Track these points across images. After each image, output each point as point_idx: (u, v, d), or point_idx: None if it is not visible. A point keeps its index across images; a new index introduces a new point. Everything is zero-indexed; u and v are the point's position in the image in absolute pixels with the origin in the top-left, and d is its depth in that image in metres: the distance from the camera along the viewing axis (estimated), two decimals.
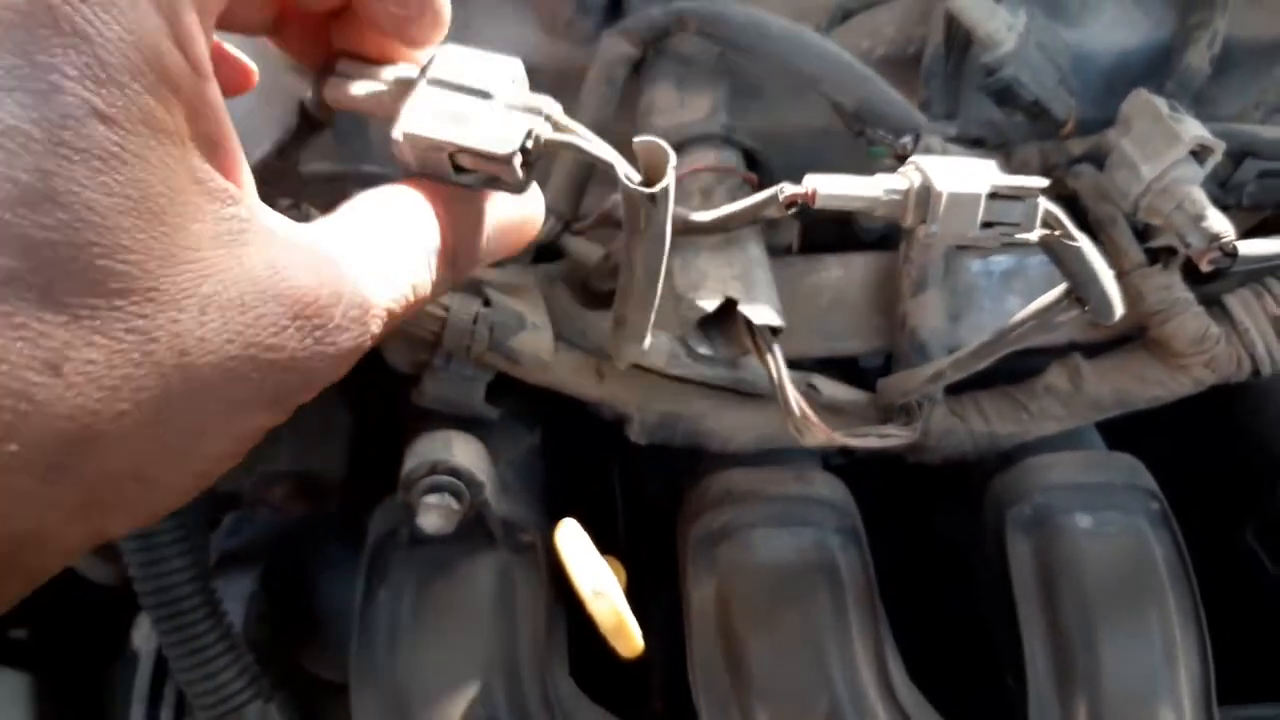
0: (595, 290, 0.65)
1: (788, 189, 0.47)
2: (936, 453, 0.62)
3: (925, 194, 0.44)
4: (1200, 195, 0.55)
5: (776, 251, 0.62)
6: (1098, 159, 0.61)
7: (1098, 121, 0.62)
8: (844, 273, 0.63)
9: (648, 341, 0.47)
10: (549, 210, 0.59)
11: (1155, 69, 0.66)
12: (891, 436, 0.58)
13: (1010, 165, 0.63)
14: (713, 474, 0.62)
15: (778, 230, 0.63)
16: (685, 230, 0.56)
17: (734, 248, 0.56)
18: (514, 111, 0.36)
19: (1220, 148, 0.56)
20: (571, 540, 0.50)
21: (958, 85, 0.64)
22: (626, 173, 0.37)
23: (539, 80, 0.66)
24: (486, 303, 0.58)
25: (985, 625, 0.65)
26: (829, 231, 0.67)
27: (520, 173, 0.35)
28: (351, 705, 0.55)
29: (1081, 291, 0.50)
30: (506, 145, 0.34)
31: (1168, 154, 0.55)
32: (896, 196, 0.45)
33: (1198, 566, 0.59)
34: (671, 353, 0.58)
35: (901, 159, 0.58)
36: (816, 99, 0.66)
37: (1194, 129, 0.55)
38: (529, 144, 0.35)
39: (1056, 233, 0.46)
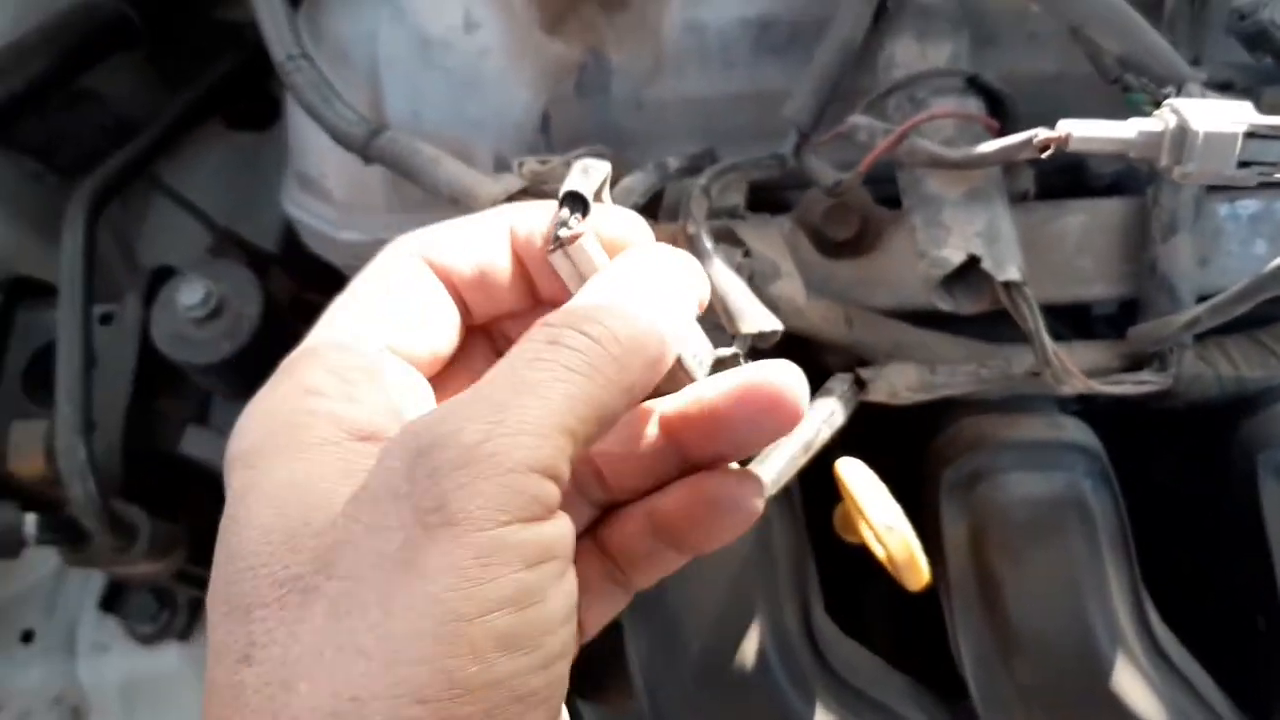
0: (831, 239, 0.66)
1: (1042, 133, 0.48)
2: (1183, 398, 0.62)
3: (1181, 134, 0.45)
4: None
5: (1014, 198, 0.63)
6: None
7: None
8: (1089, 217, 0.63)
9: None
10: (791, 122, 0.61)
11: None
12: (1147, 383, 0.59)
13: (1260, 109, 0.62)
14: (963, 419, 0.63)
15: (1016, 178, 0.63)
16: (934, 164, 0.57)
17: (977, 203, 0.57)
18: None
19: None
20: (857, 475, 0.52)
21: (1203, 29, 0.63)
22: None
23: (775, 33, 0.68)
24: (746, 253, 0.59)
25: (1223, 571, 0.65)
26: (1060, 178, 0.67)
27: None
28: (625, 635, 0.58)
29: None
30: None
31: None
32: (1153, 137, 0.46)
33: None
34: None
35: (1157, 104, 0.58)
36: (1051, 45, 0.66)
37: None
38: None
39: None
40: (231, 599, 0.27)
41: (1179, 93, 0.57)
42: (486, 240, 0.34)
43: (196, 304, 0.70)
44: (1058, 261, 0.63)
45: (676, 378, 0.33)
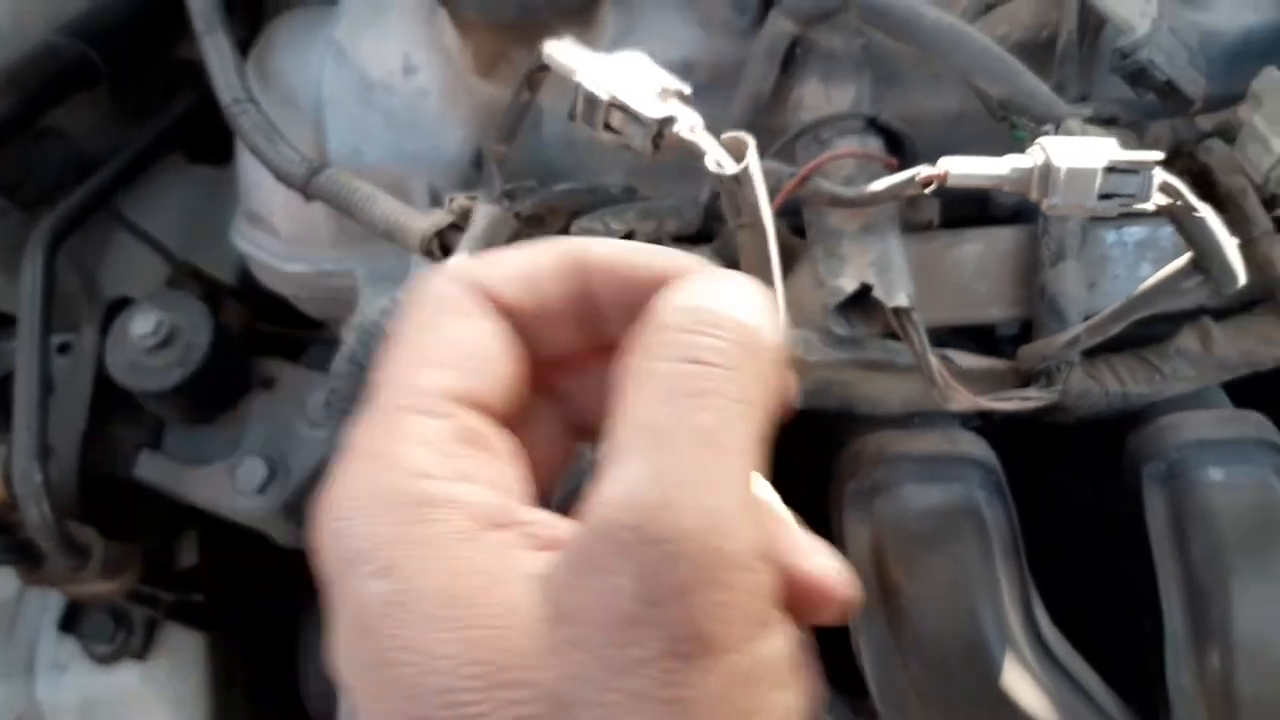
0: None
1: (924, 170, 0.53)
2: (1072, 413, 0.67)
3: (1047, 170, 0.50)
4: None
5: (919, 227, 0.67)
6: (1226, 134, 0.65)
7: (1222, 98, 0.66)
8: (985, 245, 0.68)
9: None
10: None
11: (1277, 47, 0.70)
12: (1033, 399, 0.63)
13: (1143, 142, 0.67)
14: (865, 436, 0.67)
15: (920, 208, 0.68)
16: (832, 203, 0.61)
17: (871, 235, 0.61)
18: (666, 102, 0.48)
19: None
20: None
21: (1091, 68, 0.68)
22: (718, 159, 0.44)
23: (697, 74, 0.73)
24: None
25: (1112, 574, 0.70)
26: (967, 208, 0.72)
27: (647, 145, 0.47)
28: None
29: (1204, 260, 0.54)
30: (654, 113, 0.46)
31: None
32: (1024, 173, 0.50)
33: None
34: (805, 340, 0.63)
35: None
36: (952, 86, 0.70)
37: None
38: (665, 127, 0.47)
39: (1177, 203, 0.51)
40: None
41: (1057, 130, 0.62)
42: (549, 270, 0.29)
43: (148, 333, 0.74)
44: (956, 286, 0.68)
45: None
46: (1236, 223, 0.65)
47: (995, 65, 0.61)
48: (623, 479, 0.23)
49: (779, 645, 0.24)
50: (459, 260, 0.29)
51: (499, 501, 0.26)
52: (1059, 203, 0.51)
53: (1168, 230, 0.68)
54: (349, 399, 0.63)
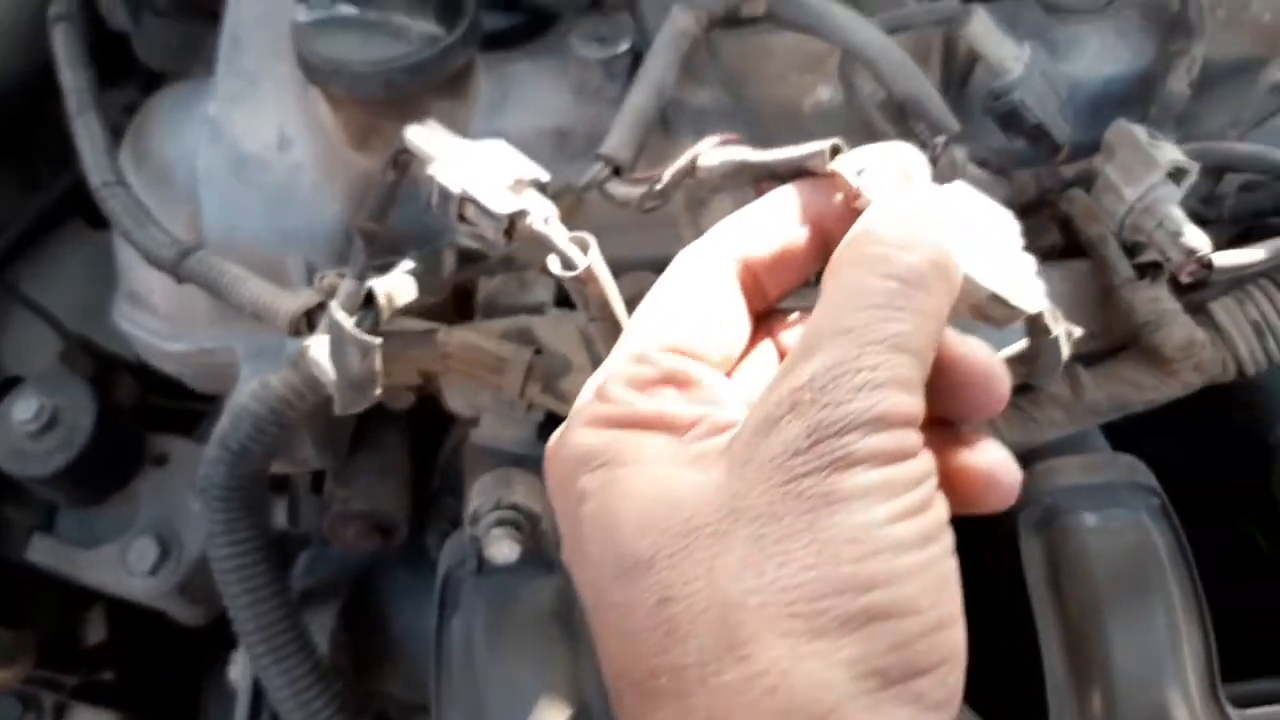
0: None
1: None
2: None
3: None
4: (1178, 213, 0.60)
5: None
6: (1086, 183, 0.66)
7: (1086, 145, 0.67)
8: None
9: None
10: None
11: (1138, 94, 0.71)
12: None
13: (1010, 189, 0.68)
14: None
15: None
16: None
17: None
18: (520, 193, 0.49)
19: (1194, 169, 0.61)
20: None
21: (964, 111, 0.69)
22: (561, 260, 0.46)
23: (573, 142, 0.73)
24: (539, 350, 0.64)
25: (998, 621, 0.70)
26: None
27: (499, 238, 0.48)
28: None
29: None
30: (505, 207, 0.48)
31: (1146, 178, 0.60)
32: None
33: (1201, 554, 0.64)
34: None
35: (933, 161, 0.63)
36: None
37: (1170, 153, 0.61)
38: (517, 220, 0.48)
39: None
40: (622, 560, 0.30)
41: (945, 147, 0.62)
42: (784, 220, 0.36)
43: (29, 419, 0.73)
44: None
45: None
46: (1099, 270, 0.67)
47: (900, 65, 0.61)
48: (808, 368, 0.30)
49: (913, 468, 0.30)
50: (719, 232, 0.36)
51: (706, 436, 0.32)
52: None
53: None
54: (220, 486, 0.62)
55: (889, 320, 0.30)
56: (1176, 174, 0.61)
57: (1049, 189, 0.68)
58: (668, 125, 0.69)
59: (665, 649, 0.29)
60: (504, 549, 0.58)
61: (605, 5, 0.72)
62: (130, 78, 0.92)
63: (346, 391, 0.57)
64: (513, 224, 0.49)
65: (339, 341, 0.56)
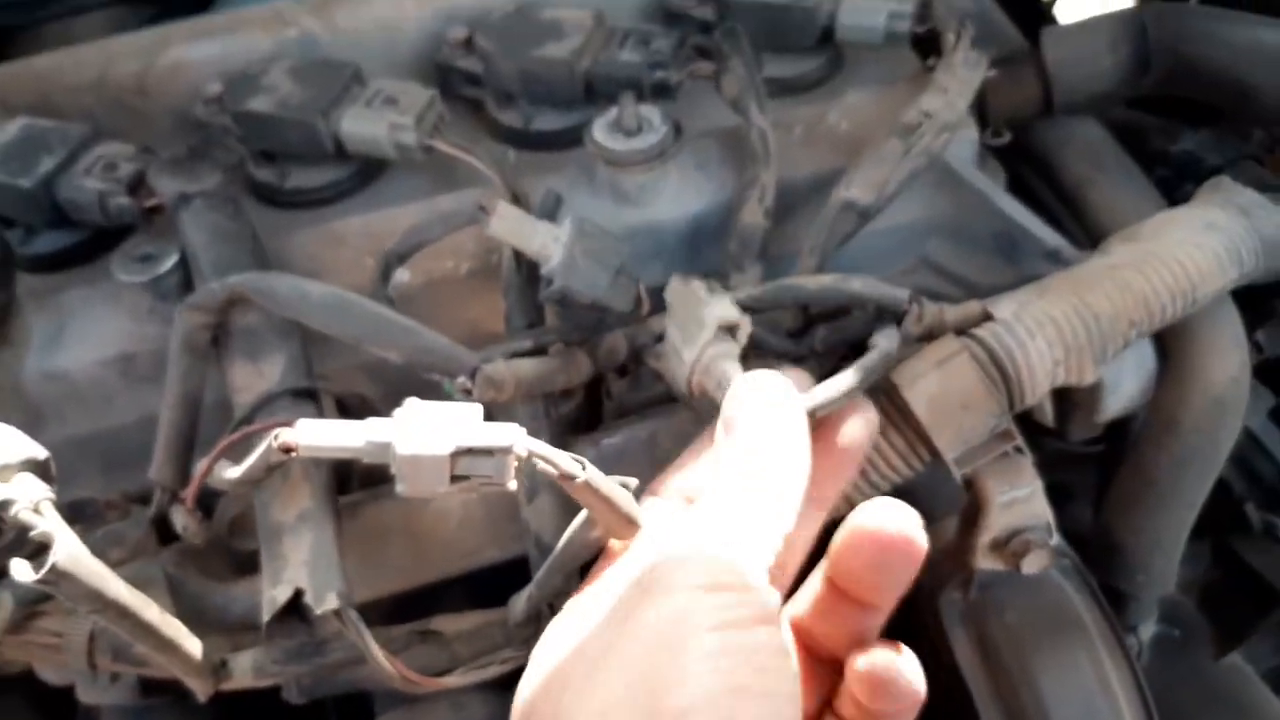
0: (238, 551, 0.66)
1: (283, 435, 0.46)
2: None
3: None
4: (734, 370, 0.56)
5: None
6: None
7: None
8: (459, 501, 0.64)
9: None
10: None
11: (729, 224, 0.69)
12: (511, 660, 0.59)
13: (599, 354, 0.64)
14: (384, 715, 0.64)
15: None
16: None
17: (306, 524, 0.57)
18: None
19: (746, 322, 0.58)
20: None
21: (535, 292, 0.65)
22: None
23: (140, 365, 0.68)
24: None
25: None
26: None
27: None
28: None
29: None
30: None
31: (700, 336, 0.57)
32: (377, 447, 0.44)
33: None
34: (256, 665, 0.58)
35: (468, 392, 0.59)
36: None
37: (718, 310, 0.58)
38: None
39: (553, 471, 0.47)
40: None
41: (473, 378, 0.59)
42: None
43: None
44: (445, 539, 0.64)
45: None
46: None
47: (387, 330, 0.58)
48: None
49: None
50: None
51: None
52: (405, 490, 0.46)
53: None
54: None
55: None
56: (731, 329, 0.58)
57: (643, 345, 0.64)
58: (222, 355, 0.63)
59: None
60: None
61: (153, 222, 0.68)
62: None
63: None
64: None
65: None
